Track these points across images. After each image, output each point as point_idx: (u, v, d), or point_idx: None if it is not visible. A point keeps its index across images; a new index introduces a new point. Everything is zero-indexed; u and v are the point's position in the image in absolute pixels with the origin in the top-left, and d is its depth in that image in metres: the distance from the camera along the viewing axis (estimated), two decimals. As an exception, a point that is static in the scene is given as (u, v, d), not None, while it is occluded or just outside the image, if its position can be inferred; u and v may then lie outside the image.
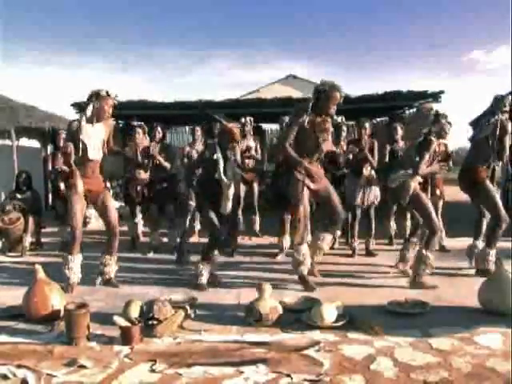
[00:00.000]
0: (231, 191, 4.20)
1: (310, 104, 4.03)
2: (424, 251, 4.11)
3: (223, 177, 4.15)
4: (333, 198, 4.21)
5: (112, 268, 4.32)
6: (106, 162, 8.44)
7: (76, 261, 4.14)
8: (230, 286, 4.21)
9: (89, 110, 4.06)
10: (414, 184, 4.16)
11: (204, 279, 4.15)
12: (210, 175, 4.20)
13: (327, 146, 4.23)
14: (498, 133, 4.32)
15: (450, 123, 4.84)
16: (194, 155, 6.45)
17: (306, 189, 4.08)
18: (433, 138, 4.24)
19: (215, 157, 4.18)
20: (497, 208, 4.36)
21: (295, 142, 4.06)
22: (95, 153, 4.16)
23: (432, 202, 4.72)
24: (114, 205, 4.38)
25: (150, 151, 5.72)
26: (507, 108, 4.41)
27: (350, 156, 5.61)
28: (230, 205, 4.24)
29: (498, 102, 4.44)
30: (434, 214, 4.18)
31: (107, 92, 4.08)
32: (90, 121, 4.09)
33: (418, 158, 4.19)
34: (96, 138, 4.15)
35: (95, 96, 4.06)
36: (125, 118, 9.86)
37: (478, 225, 4.89)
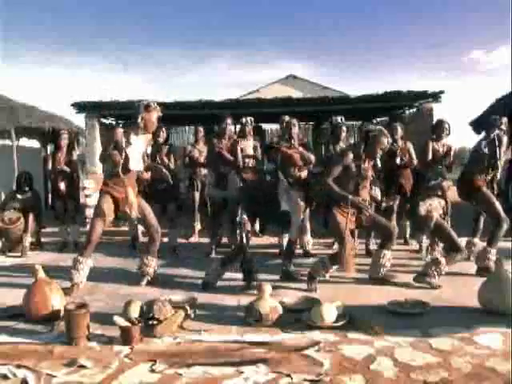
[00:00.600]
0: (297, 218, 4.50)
1: (362, 147, 4.11)
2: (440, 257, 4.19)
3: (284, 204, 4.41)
4: (378, 219, 4.27)
5: (153, 268, 4.35)
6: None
7: (86, 263, 4.11)
8: (229, 286, 4.21)
9: (140, 122, 4.07)
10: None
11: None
12: (269, 197, 4.40)
13: (364, 193, 4.19)
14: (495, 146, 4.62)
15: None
16: (196, 155, 6.45)
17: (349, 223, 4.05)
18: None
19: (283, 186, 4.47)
20: (496, 211, 4.53)
21: (335, 181, 4.05)
22: (136, 164, 4.15)
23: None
24: (150, 210, 4.36)
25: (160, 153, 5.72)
26: (503, 126, 4.81)
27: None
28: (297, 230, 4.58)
29: (496, 120, 4.81)
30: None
31: (155, 104, 4.13)
32: (136, 132, 4.10)
33: None
34: (138, 149, 4.15)
35: (144, 108, 4.07)
36: (125, 117, 9.87)
37: (475, 223, 5.09)
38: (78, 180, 6.67)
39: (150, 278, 4.33)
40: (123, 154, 3.98)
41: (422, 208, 4.35)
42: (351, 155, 4.08)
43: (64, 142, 6.17)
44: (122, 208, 4.17)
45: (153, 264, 4.34)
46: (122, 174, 4.04)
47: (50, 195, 11.25)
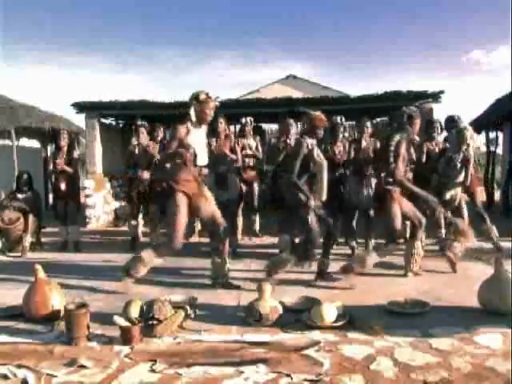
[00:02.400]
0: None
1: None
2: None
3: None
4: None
5: (226, 269, 4.22)
6: (108, 161, 8.45)
7: (154, 263, 4.05)
8: (229, 286, 4.20)
9: (192, 115, 3.96)
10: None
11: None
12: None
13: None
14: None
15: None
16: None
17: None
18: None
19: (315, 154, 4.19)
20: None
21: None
22: (202, 158, 4.04)
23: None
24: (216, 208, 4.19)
25: (151, 150, 5.72)
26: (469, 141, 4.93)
27: (351, 155, 5.61)
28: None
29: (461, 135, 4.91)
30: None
31: (207, 94, 3.97)
32: (194, 126, 3.98)
33: None
34: (201, 142, 4.03)
35: (195, 99, 3.95)
36: (125, 117, 9.87)
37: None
38: (79, 180, 6.67)
39: (224, 280, 4.19)
40: (191, 150, 3.84)
41: (448, 193, 4.81)
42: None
43: (64, 141, 6.17)
44: (193, 204, 4.01)
45: (224, 265, 4.21)
46: (192, 170, 3.96)
47: (50, 195, 11.27)
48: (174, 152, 3.86)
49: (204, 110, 3.95)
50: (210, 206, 4.09)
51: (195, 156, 3.89)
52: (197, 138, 3.97)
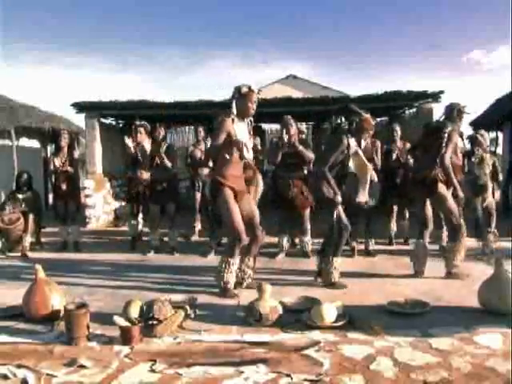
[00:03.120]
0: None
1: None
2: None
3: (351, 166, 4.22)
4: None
5: (251, 270, 4.20)
6: (107, 161, 8.46)
7: (236, 264, 3.98)
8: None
9: (233, 108, 3.91)
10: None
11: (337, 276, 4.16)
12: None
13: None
14: None
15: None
16: (198, 155, 6.45)
17: None
18: None
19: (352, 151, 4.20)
20: None
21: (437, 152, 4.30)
22: (248, 153, 3.97)
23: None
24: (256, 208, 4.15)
25: (158, 152, 5.71)
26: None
27: None
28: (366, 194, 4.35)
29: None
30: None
31: (250, 87, 3.90)
32: (237, 120, 3.94)
33: None
34: (245, 137, 3.96)
35: (238, 93, 3.90)
36: (125, 117, 9.87)
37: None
38: (79, 180, 6.67)
39: (248, 282, 4.16)
40: (240, 143, 3.74)
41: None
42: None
43: (65, 142, 6.16)
44: (238, 200, 3.95)
45: (251, 265, 4.18)
46: (240, 165, 3.95)
47: (50, 195, 11.27)
48: (227, 142, 3.80)
49: (247, 103, 3.90)
50: (250, 205, 4.08)
51: (242, 150, 3.80)
52: (241, 132, 3.92)
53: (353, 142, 4.20)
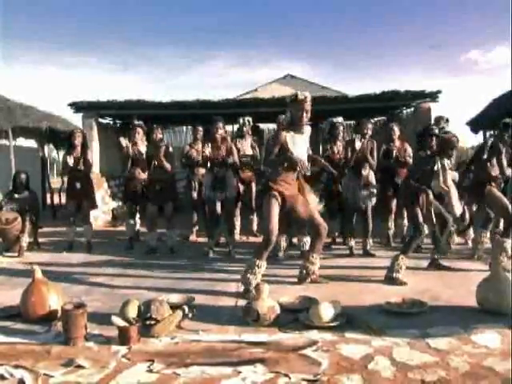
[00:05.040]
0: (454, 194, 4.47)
1: None
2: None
3: (442, 185, 4.37)
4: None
5: (317, 266, 4.25)
6: (105, 161, 8.45)
7: (263, 266, 4.01)
8: (227, 286, 4.20)
9: (287, 116, 4.03)
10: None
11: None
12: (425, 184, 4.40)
13: None
14: None
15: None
16: (194, 155, 6.44)
17: None
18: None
19: (435, 168, 4.37)
20: None
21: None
22: (305, 166, 4.02)
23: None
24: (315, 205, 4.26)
25: (158, 153, 5.70)
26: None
27: (349, 155, 5.62)
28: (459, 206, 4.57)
29: None
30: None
31: (304, 95, 3.95)
32: (292, 128, 4.00)
33: None
34: (301, 145, 4.03)
35: (294, 101, 3.95)
36: (122, 117, 9.86)
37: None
38: (92, 180, 6.58)
39: (313, 277, 4.23)
40: (298, 162, 3.89)
41: None
42: None
43: (78, 140, 6.11)
44: (288, 205, 4.05)
45: (316, 262, 4.22)
46: (292, 173, 4.05)
47: (47, 195, 11.25)
48: (282, 158, 3.96)
49: (300, 112, 3.95)
50: (307, 207, 4.15)
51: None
52: (296, 143, 3.99)
53: (446, 161, 4.47)
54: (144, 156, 5.88)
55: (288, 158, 3.92)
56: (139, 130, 5.98)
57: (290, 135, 3.97)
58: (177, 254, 5.75)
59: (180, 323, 3.15)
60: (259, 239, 6.63)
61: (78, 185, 6.03)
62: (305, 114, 3.96)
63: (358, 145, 5.58)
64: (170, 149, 5.95)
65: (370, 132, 5.69)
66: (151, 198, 5.84)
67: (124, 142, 5.86)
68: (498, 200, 4.79)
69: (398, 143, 5.98)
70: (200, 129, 6.71)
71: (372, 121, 9.74)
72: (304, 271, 4.22)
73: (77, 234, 6.25)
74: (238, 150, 6.17)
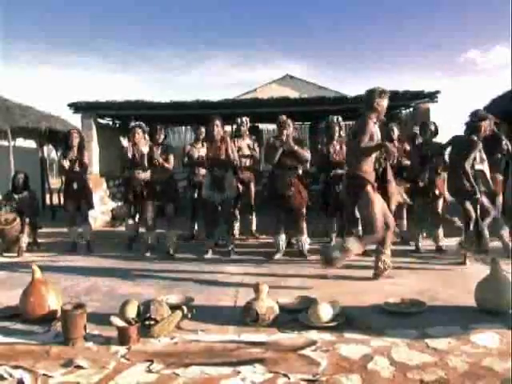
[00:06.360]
0: None
1: None
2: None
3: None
4: None
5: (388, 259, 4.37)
6: (104, 162, 8.42)
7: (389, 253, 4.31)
8: (226, 286, 4.21)
9: (377, 108, 4.17)
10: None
11: None
12: None
13: None
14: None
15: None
16: (195, 154, 6.44)
17: None
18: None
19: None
20: None
21: None
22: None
23: (431, 202, 5.35)
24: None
25: (153, 154, 5.69)
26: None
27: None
28: None
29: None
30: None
31: (387, 90, 4.22)
32: (376, 120, 4.21)
33: None
34: (379, 136, 4.24)
35: (379, 94, 4.16)
36: (121, 117, 9.86)
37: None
38: (89, 180, 6.57)
39: (387, 272, 4.34)
40: (390, 148, 4.09)
41: None
42: None
43: (75, 141, 6.10)
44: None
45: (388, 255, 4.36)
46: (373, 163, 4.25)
47: (47, 195, 11.24)
48: (378, 145, 4.12)
49: (384, 106, 4.21)
50: (380, 197, 4.29)
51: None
52: (377, 133, 4.23)
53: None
54: (146, 156, 5.87)
55: (384, 145, 4.12)
56: (138, 130, 5.97)
57: (374, 126, 4.17)
58: (176, 255, 5.75)
59: (179, 323, 3.15)
60: (258, 239, 6.68)
61: (75, 185, 6.02)
62: (384, 110, 4.25)
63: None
64: (171, 148, 5.95)
65: None
66: (153, 198, 5.83)
67: (125, 142, 5.85)
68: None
69: (397, 144, 5.98)
70: (202, 129, 6.69)
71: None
72: (381, 265, 4.32)
73: (79, 234, 6.24)
74: (238, 150, 6.18)
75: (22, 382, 2.39)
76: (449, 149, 5.27)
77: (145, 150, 5.92)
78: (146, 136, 6.05)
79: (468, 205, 4.75)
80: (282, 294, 3.77)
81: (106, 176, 9.31)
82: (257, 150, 6.76)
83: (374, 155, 4.26)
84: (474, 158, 4.80)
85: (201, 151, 6.31)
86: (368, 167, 4.17)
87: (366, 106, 4.21)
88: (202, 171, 6.24)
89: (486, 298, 3.30)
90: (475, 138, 4.78)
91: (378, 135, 4.21)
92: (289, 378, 2.37)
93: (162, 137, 5.97)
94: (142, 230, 6.31)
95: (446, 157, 5.34)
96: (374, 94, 4.17)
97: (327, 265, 4.13)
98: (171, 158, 5.80)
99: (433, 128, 5.62)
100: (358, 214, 4.50)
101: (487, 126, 4.93)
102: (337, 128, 5.83)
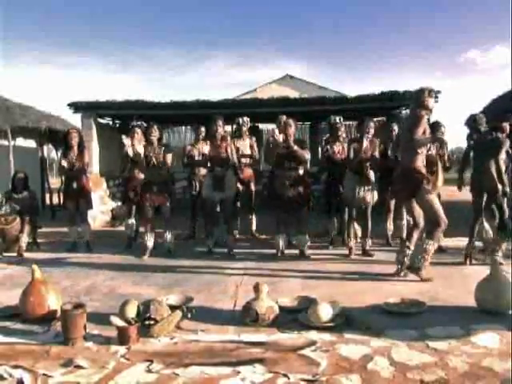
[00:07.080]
0: None
1: None
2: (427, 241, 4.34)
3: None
4: None
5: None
6: (104, 162, 8.42)
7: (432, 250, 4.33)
8: (226, 286, 4.21)
9: (427, 105, 4.31)
10: None
11: None
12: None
13: None
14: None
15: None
16: (195, 154, 6.43)
17: None
18: None
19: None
20: None
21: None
22: None
23: None
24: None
25: (148, 153, 5.68)
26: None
27: (351, 155, 5.60)
28: None
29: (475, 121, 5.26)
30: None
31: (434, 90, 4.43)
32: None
33: None
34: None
35: (428, 93, 4.32)
36: (121, 117, 9.86)
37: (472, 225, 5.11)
38: (89, 180, 6.56)
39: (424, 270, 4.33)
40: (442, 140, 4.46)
41: None
42: None
43: (74, 141, 6.09)
44: None
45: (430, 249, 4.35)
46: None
47: (46, 195, 11.24)
48: (432, 137, 4.37)
49: (432, 102, 4.39)
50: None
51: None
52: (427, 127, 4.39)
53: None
54: (142, 156, 5.85)
55: (439, 138, 4.47)
56: (138, 130, 5.96)
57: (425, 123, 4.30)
58: (176, 254, 5.74)
59: (179, 323, 3.15)
60: (258, 239, 6.67)
61: (75, 185, 6.02)
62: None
63: (365, 144, 5.52)
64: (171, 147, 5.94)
65: (372, 131, 5.67)
66: (148, 199, 5.81)
67: (126, 141, 5.83)
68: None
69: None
70: (202, 129, 6.68)
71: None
72: (421, 259, 4.30)
73: (79, 233, 6.24)
74: (237, 150, 6.17)
75: (22, 382, 2.39)
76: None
77: (140, 150, 5.87)
78: (141, 136, 6.03)
79: (494, 204, 4.91)
80: (282, 294, 3.77)
81: (106, 176, 9.31)
82: (256, 150, 6.75)
83: (424, 152, 4.37)
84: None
85: (203, 149, 6.31)
86: (421, 162, 4.31)
87: (416, 103, 4.37)
88: (202, 171, 6.23)
89: (486, 299, 3.30)
90: (503, 136, 4.89)
91: (428, 130, 4.35)
92: (288, 378, 2.37)
93: (157, 134, 5.90)
94: (141, 229, 6.31)
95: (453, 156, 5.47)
96: (423, 93, 4.32)
97: (416, 273, 4.26)
98: (169, 157, 5.77)
99: (443, 129, 5.65)
100: (404, 209, 4.70)
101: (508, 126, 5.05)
102: (342, 129, 5.87)
